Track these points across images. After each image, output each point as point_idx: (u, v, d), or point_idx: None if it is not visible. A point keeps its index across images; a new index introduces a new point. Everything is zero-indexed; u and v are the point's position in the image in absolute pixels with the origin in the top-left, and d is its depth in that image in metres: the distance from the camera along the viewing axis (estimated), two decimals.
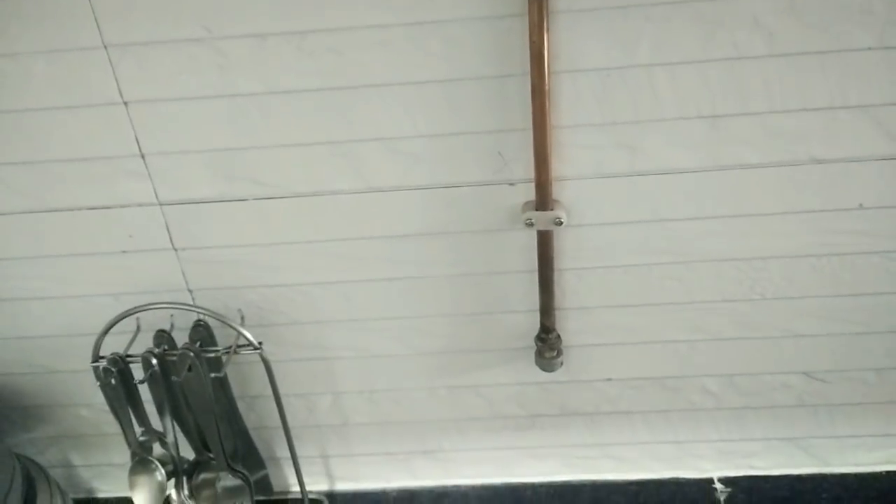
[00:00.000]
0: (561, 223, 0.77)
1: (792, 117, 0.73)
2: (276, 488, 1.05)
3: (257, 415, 0.98)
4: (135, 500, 0.85)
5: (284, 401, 0.94)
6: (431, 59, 0.71)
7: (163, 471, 0.85)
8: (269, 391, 0.95)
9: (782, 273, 0.84)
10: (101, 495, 1.08)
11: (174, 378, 0.79)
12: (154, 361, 0.79)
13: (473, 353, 0.92)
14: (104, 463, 1.05)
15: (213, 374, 0.78)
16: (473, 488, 1.04)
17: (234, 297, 0.87)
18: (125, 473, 1.04)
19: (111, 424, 0.99)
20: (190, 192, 0.80)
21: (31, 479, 0.94)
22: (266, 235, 0.83)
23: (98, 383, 0.80)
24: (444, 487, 1.05)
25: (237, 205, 0.81)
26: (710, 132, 0.74)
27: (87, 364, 0.91)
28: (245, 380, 0.95)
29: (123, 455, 1.02)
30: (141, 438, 0.86)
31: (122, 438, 1.00)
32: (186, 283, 0.87)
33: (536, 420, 0.99)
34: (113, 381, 0.79)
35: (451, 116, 0.75)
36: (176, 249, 0.84)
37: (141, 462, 0.85)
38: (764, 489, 1.00)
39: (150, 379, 0.80)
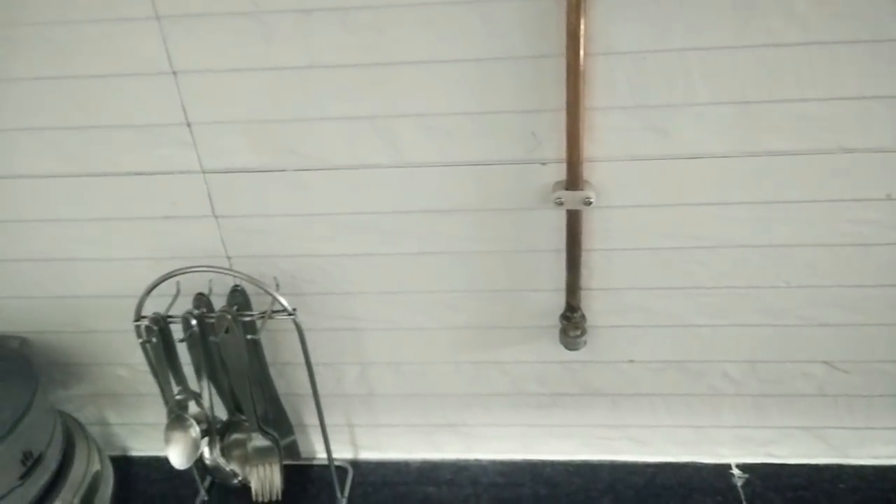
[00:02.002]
0: (590, 203, 0.79)
1: (822, 105, 0.74)
2: (302, 454, 1.09)
3: (287, 381, 1.02)
4: (170, 454, 0.89)
5: (313, 369, 0.97)
6: (470, 37, 0.73)
7: (197, 428, 0.88)
8: (300, 359, 0.98)
9: (807, 261, 0.85)
10: (134, 453, 1.12)
11: (212, 338, 0.82)
12: (193, 322, 0.83)
13: (499, 329, 0.95)
14: (138, 422, 1.09)
15: (249, 336, 0.81)
16: (493, 463, 1.07)
17: (269, 265, 0.90)
18: (158, 433, 1.08)
19: (147, 385, 1.03)
20: (232, 161, 0.83)
21: (70, 433, 0.98)
22: (303, 206, 0.86)
23: (140, 340, 0.84)
24: (466, 461, 1.07)
25: (276, 175, 0.84)
26: (740, 118, 0.76)
27: (127, 325, 0.95)
28: (277, 347, 0.98)
29: (158, 415, 1.06)
30: (178, 397, 0.89)
31: (156, 399, 1.04)
32: (225, 249, 0.90)
33: (558, 399, 1.01)
34: (154, 339, 0.82)
35: (486, 95, 0.77)
36: (216, 217, 0.88)
37: (177, 419, 0.88)
38: (781, 477, 1.01)
39: (189, 339, 0.84)
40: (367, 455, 1.09)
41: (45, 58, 0.77)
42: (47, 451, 0.90)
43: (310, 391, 1.01)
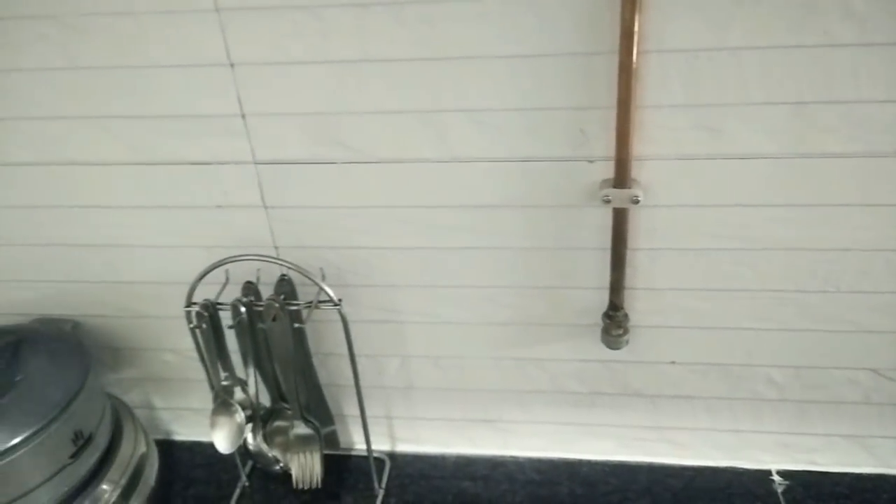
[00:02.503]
0: (637, 201, 0.79)
1: (878, 108, 0.73)
2: (340, 445, 1.10)
3: (328, 372, 1.03)
4: (215, 439, 0.91)
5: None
6: (523, 33, 0.74)
7: (243, 414, 0.90)
8: (341, 350, 1.00)
9: (857, 266, 0.84)
10: (176, 437, 1.15)
11: (261, 325, 0.84)
12: (243, 309, 0.84)
13: (540, 326, 0.95)
14: (183, 407, 1.12)
15: (296, 325, 0.82)
16: (530, 460, 1.07)
17: (315, 256, 0.91)
18: (202, 418, 1.10)
19: (194, 370, 1.06)
20: (283, 152, 0.85)
21: (118, 415, 1.01)
22: (350, 198, 0.87)
23: (190, 326, 0.85)
24: (502, 457, 1.07)
25: (326, 167, 0.85)
26: (793, 119, 0.75)
27: (177, 311, 0.97)
28: (320, 337, 0.99)
29: (202, 401, 1.09)
30: (224, 383, 0.91)
31: (201, 385, 1.07)
32: (273, 239, 0.92)
33: (597, 398, 1.01)
34: (204, 325, 0.84)
35: (537, 91, 0.77)
36: (266, 207, 0.89)
37: (223, 404, 0.90)
38: (823, 485, 1.00)
39: (238, 326, 0.85)
40: (403, 447, 1.10)
41: (109, 48, 0.80)
42: (97, 431, 0.93)
43: (349, 382, 1.03)
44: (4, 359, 0.90)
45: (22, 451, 0.81)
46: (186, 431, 1.15)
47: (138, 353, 1.06)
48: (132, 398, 1.10)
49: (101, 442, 0.94)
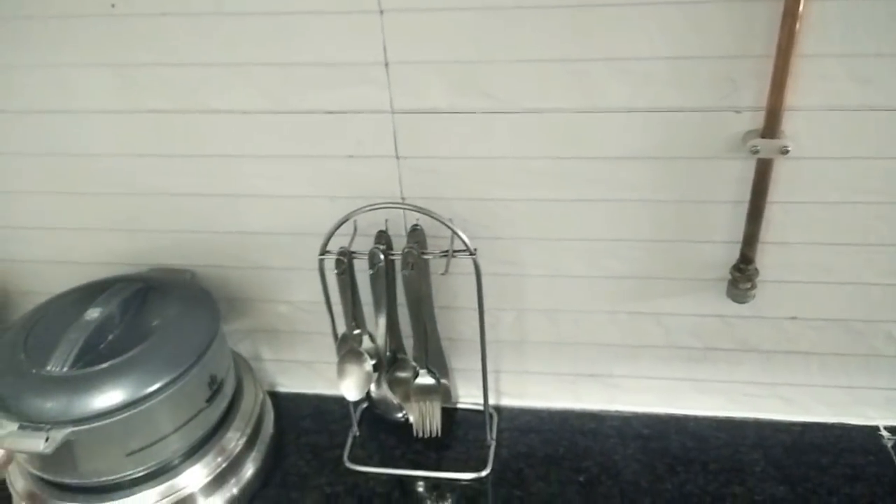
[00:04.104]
0: (787, 151, 0.79)
1: None
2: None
3: (442, 325, 1.04)
4: (342, 387, 0.92)
5: (469, 314, 0.99)
6: None
7: (371, 362, 0.91)
8: (457, 302, 1.02)
9: None
10: (281, 389, 1.16)
11: (403, 272, 0.85)
12: (381, 257, 0.85)
13: (661, 280, 0.95)
14: (290, 359, 1.13)
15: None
16: (636, 415, 1.08)
17: (443, 207, 0.92)
18: (308, 371, 1.13)
19: (304, 322, 1.08)
20: (422, 102, 0.85)
21: (238, 364, 1.03)
22: (485, 149, 0.87)
23: (336, 272, 0.86)
24: (608, 412, 1.09)
25: (464, 117, 0.85)
26: None
27: (296, 261, 1.00)
28: (436, 289, 1.00)
29: (310, 353, 1.11)
30: (355, 332, 0.92)
31: (310, 337, 1.09)
32: (401, 191, 0.92)
33: (710, 353, 1.01)
34: (344, 272, 0.85)
35: (689, 39, 0.77)
36: (398, 158, 0.90)
37: (351, 352, 0.92)
38: None
39: (375, 274, 0.86)
40: (508, 401, 1.12)
41: None
42: (226, 378, 0.94)
43: (460, 335, 1.05)
44: (136, 305, 0.92)
45: (165, 394, 0.83)
46: (290, 383, 1.16)
47: (252, 303, 1.07)
48: (242, 349, 1.12)
49: (229, 389, 0.95)
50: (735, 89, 0.79)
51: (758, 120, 0.79)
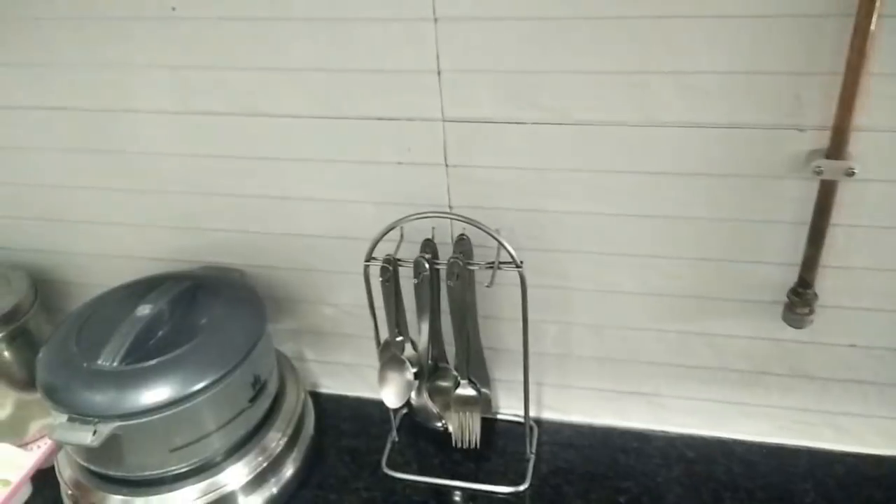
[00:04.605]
0: (853, 173, 0.75)
1: None
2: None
3: (485, 335, 1.03)
4: (383, 393, 0.92)
5: (512, 325, 0.98)
6: None
7: (412, 370, 0.91)
8: (502, 313, 1.00)
9: None
10: (323, 390, 1.17)
11: (448, 283, 0.84)
12: (426, 266, 0.85)
13: (713, 300, 0.92)
14: (333, 361, 1.14)
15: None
16: (681, 437, 1.05)
17: (490, 217, 0.90)
18: (351, 373, 1.13)
19: (350, 325, 1.08)
20: (474, 110, 0.84)
21: (281, 364, 1.04)
22: (535, 160, 0.86)
23: (380, 279, 0.86)
24: (652, 431, 1.06)
25: (515, 127, 0.84)
26: None
27: (343, 265, 1.00)
28: (481, 299, 0.99)
29: (354, 355, 1.11)
30: (397, 339, 0.92)
31: (355, 339, 1.09)
32: (449, 199, 0.92)
33: (762, 378, 0.98)
34: (389, 280, 0.85)
35: (754, 54, 0.74)
36: (447, 166, 0.89)
37: (393, 359, 0.91)
38: None
39: (420, 282, 0.86)
40: (549, 415, 1.10)
41: (312, 1, 0.80)
42: (270, 378, 0.95)
43: (504, 345, 1.03)
44: (185, 303, 0.93)
45: (209, 393, 0.84)
46: (333, 385, 1.17)
47: (298, 305, 1.08)
48: (286, 349, 1.13)
49: (272, 389, 0.96)
50: (800, 107, 0.76)
51: (822, 139, 0.76)
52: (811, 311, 0.86)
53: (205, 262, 1.06)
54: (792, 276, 0.86)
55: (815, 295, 0.86)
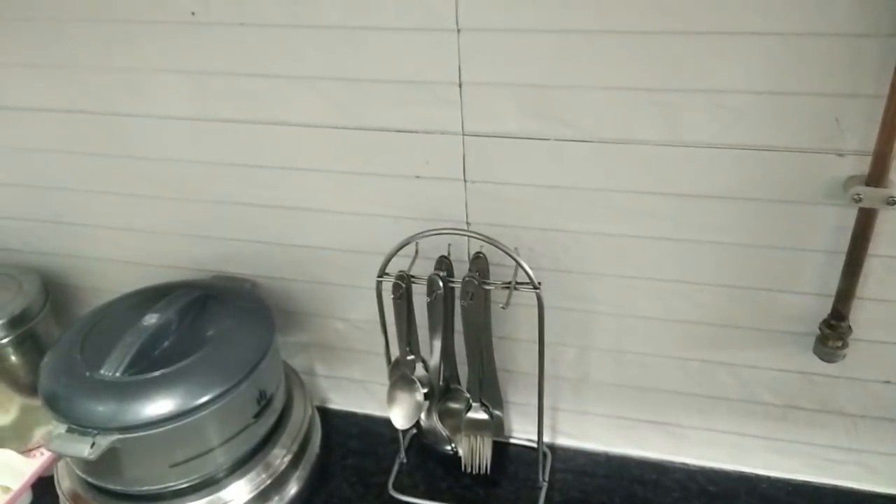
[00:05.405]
0: (894, 203, 0.71)
1: None
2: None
3: (499, 356, 0.99)
4: (392, 414, 0.89)
5: (528, 347, 0.95)
6: (781, 9, 0.67)
7: (422, 391, 0.88)
8: (517, 334, 0.97)
9: None
10: (332, 406, 1.14)
11: (462, 303, 0.81)
12: (441, 284, 0.82)
13: (739, 329, 0.88)
14: (344, 377, 1.11)
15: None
16: (702, 470, 1.01)
17: (509, 235, 0.88)
18: (361, 389, 1.10)
19: (361, 341, 1.05)
20: (495, 125, 0.81)
21: (289, 379, 1.01)
22: (557, 178, 0.83)
23: (392, 297, 0.83)
24: (672, 463, 1.02)
25: (537, 143, 0.81)
26: None
27: (356, 279, 0.97)
28: (496, 320, 0.96)
29: (364, 372, 1.08)
30: (408, 358, 0.89)
31: (366, 356, 1.06)
32: (466, 215, 0.89)
33: (789, 412, 0.93)
34: (401, 297, 0.82)
35: (791, 74, 0.70)
36: (466, 181, 0.86)
37: (403, 379, 0.88)
38: None
39: (433, 301, 0.83)
40: (563, 441, 1.06)
41: (338, 8, 0.78)
42: (276, 393, 0.92)
43: (518, 368, 1.00)
44: (194, 312, 0.91)
45: (212, 408, 0.81)
46: (342, 400, 1.14)
47: (309, 318, 1.06)
48: (295, 363, 1.10)
49: (279, 404, 0.94)
50: (839, 131, 0.72)
51: (863, 165, 0.72)
52: (844, 345, 0.82)
53: (217, 271, 1.04)
54: (825, 308, 0.82)
55: (850, 328, 0.81)
